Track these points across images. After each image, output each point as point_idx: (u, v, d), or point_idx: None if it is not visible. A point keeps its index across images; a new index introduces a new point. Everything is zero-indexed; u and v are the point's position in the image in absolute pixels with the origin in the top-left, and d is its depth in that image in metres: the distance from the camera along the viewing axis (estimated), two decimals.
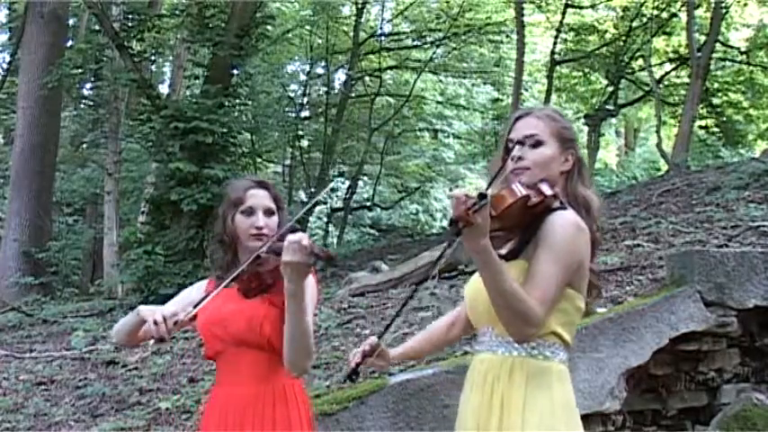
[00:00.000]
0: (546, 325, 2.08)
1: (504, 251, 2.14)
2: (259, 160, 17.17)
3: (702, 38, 14.27)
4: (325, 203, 18.94)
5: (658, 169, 18.01)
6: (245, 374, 2.43)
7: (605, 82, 16.96)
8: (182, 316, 2.36)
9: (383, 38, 19.11)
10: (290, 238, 2.15)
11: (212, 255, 2.66)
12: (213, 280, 2.58)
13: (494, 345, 2.17)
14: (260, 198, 2.52)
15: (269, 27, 12.01)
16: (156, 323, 2.31)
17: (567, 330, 2.14)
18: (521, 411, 2.07)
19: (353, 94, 18.44)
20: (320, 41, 18.38)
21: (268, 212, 2.51)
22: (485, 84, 20.93)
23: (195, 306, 2.42)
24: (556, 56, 16.30)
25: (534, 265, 2.06)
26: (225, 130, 9.97)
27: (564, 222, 2.09)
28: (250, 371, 2.43)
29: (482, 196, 1.89)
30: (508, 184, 2.09)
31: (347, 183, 19.20)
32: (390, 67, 19.30)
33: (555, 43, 16.24)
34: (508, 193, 2.02)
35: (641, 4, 15.76)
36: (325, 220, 19.61)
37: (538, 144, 2.18)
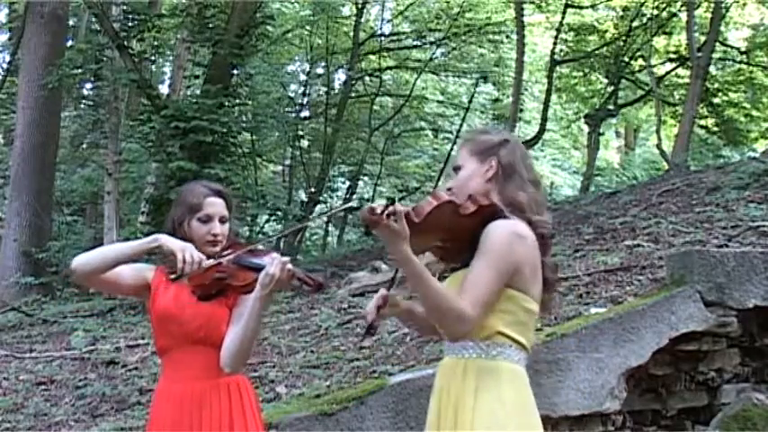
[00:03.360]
0: (489, 326, 2.19)
1: (457, 265, 2.28)
2: (259, 160, 17.16)
3: (702, 38, 14.26)
4: (325, 203, 18.93)
5: (658, 169, 17.98)
6: (200, 370, 2.55)
7: (605, 82, 16.94)
8: (206, 263, 2.47)
9: (383, 38, 19.09)
10: (281, 257, 2.38)
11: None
12: (164, 268, 2.67)
13: (450, 349, 2.29)
14: (217, 207, 2.66)
15: (269, 27, 12.00)
16: (185, 261, 2.44)
17: (516, 331, 2.22)
18: (471, 411, 2.16)
19: (353, 94, 18.42)
20: (320, 41, 18.35)
21: (223, 220, 2.66)
22: (485, 82, 20.91)
23: (218, 257, 2.52)
24: (556, 56, 16.29)
25: (469, 271, 2.19)
26: (225, 130, 9.97)
27: (498, 229, 2.20)
28: (204, 367, 2.55)
29: (389, 200, 2.03)
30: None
31: (347, 183, 19.18)
32: (390, 67, 19.28)
33: (555, 43, 16.23)
34: (431, 199, 2.14)
35: (641, 4, 15.74)
36: (326, 219, 19.60)
37: (457, 170, 2.37)
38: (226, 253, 2.56)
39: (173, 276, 2.49)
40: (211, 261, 2.53)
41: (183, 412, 2.52)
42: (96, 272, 2.56)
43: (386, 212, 1.99)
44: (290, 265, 2.36)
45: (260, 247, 2.59)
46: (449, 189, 2.33)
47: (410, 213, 2.07)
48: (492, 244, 2.18)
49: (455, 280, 2.24)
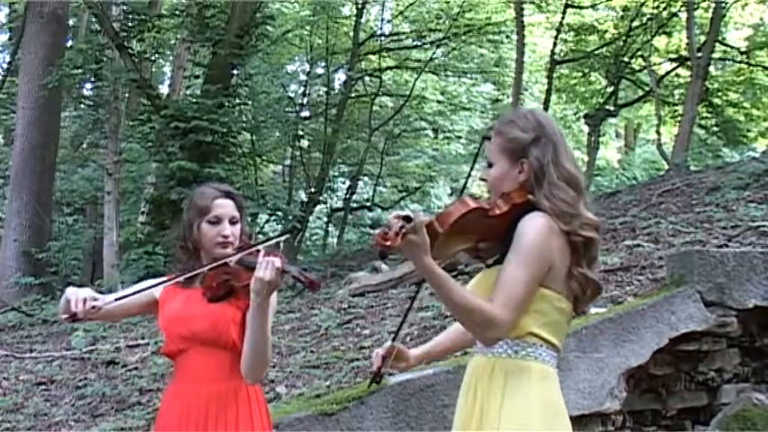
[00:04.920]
0: (521, 326, 2.12)
1: (491, 261, 2.21)
2: (259, 160, 17.16)
3: (702, 38, 14.27)
4: (325, 203, 18.93)
5: (658, 169, 17.99)
6: (210, 373, 2.53)
7: (605, 82, 16.94)
8: (100, 302, 2.49)
9: (383, 38, 19.09)
10: (267, 258, 2.32)
11: (175, 257, 2.79)
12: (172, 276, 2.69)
13: (480, 347, 2.23)
14: (226, 208, 2.64)
15: (269, 27, 12.01)
16: (72, 302, 2.45)
17: (548, 331, 2.16)
18: (497, 410, 2.12)
19: (353, 94, 18.43)
20: (320, 42, 18.36)
21: (233, 221, 2.64)
22: (486, 82, 20.90)
23: (118, 299, 2.58)
24: (556, 56, 16.30)
25: (502, 269, 2.11)
26: (225, 130, 9.98)
27: (531, 225, 2.12)
28: (214, 370, 2.52)
29: (407, 219, 1.96)
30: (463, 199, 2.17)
31: (347, 183, 19.19)
32: (390, 68, 19.28)
33: (555, 43, 16.23)
34: (454, 209, 2.08)
35: (641, 4, 15.75)
36: (326, 219, 19.60)
37: (490, 165, 2.27)
38: (229, 253, 2.54)
39: (65, 318, 2.50)
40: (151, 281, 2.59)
41: (190, 414, 2.50)
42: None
43: (401, 233, 1.93)
44: (278, 263, 2.29)
45: (260, 247, 2.55)
46: (482, 179, 2.26)
47: (433, 223, 2.01)
48: (526, 240, 2.10)
49: (489, 278, 2.16)
